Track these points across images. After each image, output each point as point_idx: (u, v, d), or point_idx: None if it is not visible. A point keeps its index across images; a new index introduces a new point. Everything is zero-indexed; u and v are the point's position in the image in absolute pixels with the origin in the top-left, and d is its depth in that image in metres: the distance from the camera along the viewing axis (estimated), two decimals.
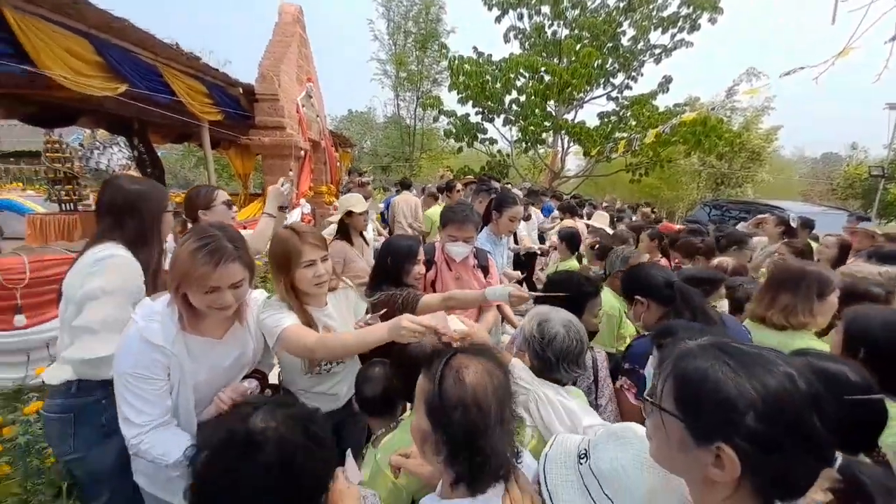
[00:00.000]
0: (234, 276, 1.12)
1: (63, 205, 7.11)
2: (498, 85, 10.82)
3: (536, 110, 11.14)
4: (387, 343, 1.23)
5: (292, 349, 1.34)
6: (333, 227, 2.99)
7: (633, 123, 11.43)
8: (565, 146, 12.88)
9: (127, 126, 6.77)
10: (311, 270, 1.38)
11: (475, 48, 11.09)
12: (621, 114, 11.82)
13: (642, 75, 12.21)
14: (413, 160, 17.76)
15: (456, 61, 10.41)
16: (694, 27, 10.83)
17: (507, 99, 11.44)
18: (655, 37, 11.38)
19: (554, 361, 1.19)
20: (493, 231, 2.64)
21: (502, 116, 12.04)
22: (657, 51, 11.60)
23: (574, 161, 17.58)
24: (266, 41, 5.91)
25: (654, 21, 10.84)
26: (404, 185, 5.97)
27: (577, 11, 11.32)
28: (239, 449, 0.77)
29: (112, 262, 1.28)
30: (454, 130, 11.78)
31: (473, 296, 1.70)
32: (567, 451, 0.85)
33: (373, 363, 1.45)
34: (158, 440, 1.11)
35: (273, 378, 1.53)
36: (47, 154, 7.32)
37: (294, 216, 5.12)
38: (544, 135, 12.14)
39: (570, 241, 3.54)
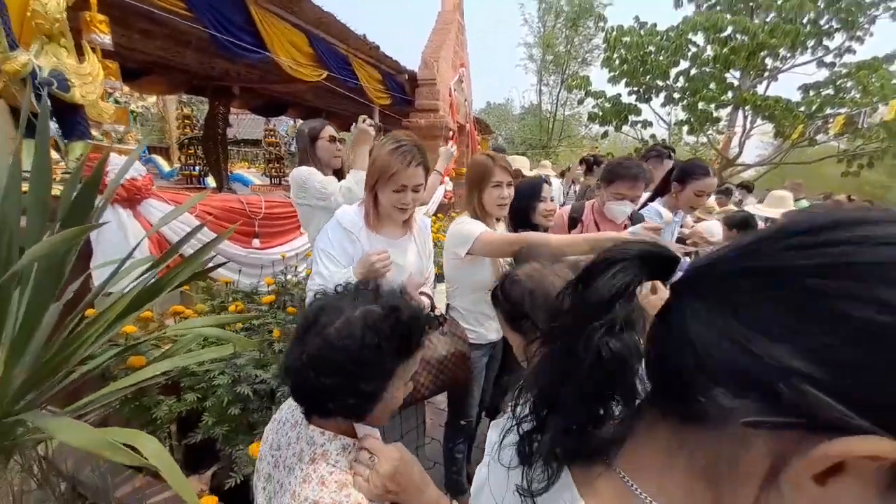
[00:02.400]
0: (418, 178, 1.34)
1: (272, 179, 9.12)
2: (662, 57, 9.50)
3: (712, 83, 9.43)
4: None
5: (493, 245, 1.52)
6: None
7: (857, 97, 8.73)
8: (746, 127, 10.62)
9: (318, 116, 8.24)
10: (497, 191, 1.58)
11: (636, 17, 9.98)
12: (839, 84, 9.12)
13: (871, 35, 9.18)
14: (550, 147, 17.18)
15: (614, 32, 9.52)
16: None
17: (674, 72, 9.98)
18: None
19: None
20: (670, 205, 2.27)
21: (662, 95, 10.59)
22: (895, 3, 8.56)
23: (754, 148, 14.48)
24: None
25: None
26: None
27: None
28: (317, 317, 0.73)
29: (300, 172, 2.01)
30: (601, 113, 10.88)
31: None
32: None
33: None
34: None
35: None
36: (265, 139, 9.42)
37: (438, 194, 5.53)
38: (718, 112, 10.22)
39: (743, 228, 2.80)
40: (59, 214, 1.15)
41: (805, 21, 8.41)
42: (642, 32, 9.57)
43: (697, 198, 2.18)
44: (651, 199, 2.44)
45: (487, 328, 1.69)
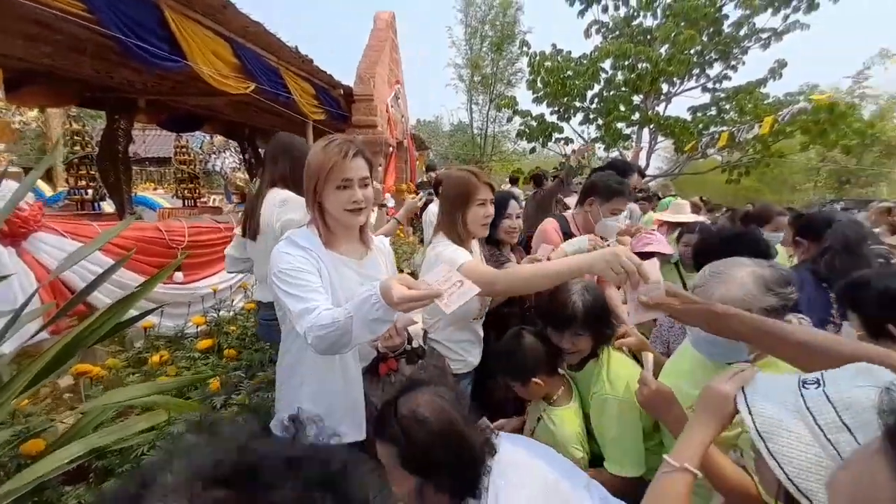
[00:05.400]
0: (361, 169, 1.18)
1: (185, 201, 8.18)
2: (579, 81, 10.41)
3: (621, 105, 10.52)
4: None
5: (474, 280, 1.36)
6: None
7: (735, 117, 10.30)
8: (651, 143, 12.00)
9: (239, 132, 7.61)
10: (482, 210, 1.48)
11: (553, 45, 10.83)
12: (720, 105, 10.71)
13: (744, 64, 11.00)
14: (483, 163, 17.87)
15: (537, 58, 10.22)
16: (811, 6, 9.49)
17: (590, 94, 10.96)
18: (763, 19, 10.20)
19: None
20: None
21: (580, 115, 11.59)
22: (765, 35, 10.39)
23: (655, 161, 16.46)
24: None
25: (763, 1, 9.66)
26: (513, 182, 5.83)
27: None
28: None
29: (296, 200, 1.63)
30: (528, 131, 11.56)
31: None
32: (782, 378, 0.71)
33: (518, 334, 1.41)
34: (328, 313, 1.03)
35: None
36: (176, 157, 8.48)
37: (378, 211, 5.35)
38: (627, 130, 11.43)
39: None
40: None
41: (692, 52, 9.77)
42: (560, 59, 10.40)
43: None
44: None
45: (472, 354, 1.59)
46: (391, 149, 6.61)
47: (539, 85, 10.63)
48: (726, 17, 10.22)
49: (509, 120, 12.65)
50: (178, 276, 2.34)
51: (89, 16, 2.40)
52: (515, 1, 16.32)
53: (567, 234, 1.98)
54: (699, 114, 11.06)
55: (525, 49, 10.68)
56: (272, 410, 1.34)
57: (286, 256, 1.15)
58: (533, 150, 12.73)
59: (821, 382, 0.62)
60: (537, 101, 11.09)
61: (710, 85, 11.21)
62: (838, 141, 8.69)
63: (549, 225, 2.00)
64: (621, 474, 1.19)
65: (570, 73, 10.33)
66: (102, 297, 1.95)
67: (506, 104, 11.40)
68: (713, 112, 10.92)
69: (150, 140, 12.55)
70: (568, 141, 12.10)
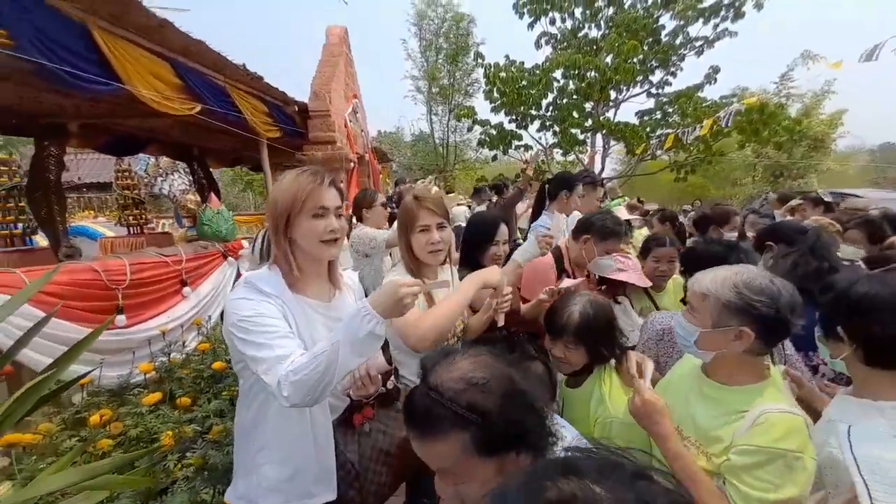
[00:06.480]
0: (336, 199, 1.12)
1: (131, 228, 7.60)
2: (533, 90, 10.73)
3: (574, 112, 10.93)
4: None
5: (395, 325, 1.29)
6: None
7: (678, 119, 10.95)
8: (605, 147, 12.52)
9: (188, 153, 7.21)
10: (424, 236, 1.40)
11: (507, 56, 11.13)
12: (664, 109, 11.37)
13: (682, 70, 11.77)
14: (447, 172, 18.00)
15: (492, 69, 10.46)
16: (738, 15, 10.33)
17: (545, 103, 11.31)
18: (696, 29, 10.98)
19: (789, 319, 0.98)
20: (559, 210, 2.50)
21: (537, 122, 11.93)
22: (698, 43, 11.17)
23: (609, 164, 17.26)
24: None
25: (695, 12, 10.42)
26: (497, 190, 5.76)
27: (611, 10, 11.14)
28: None
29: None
30: (488, 139, 11.77)
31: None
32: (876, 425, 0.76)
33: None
34: (306, 355, 0.95)
35: None
36: (118, 182, 7.89)
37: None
38: (582, 136, 11.88)
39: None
40: None
41: (637, 60, 10.34)
42: (514, 69, 10.70)
43: (581, 197, 2.60)
44: (536, 216, 2.63)
45: None
46: (352, 164, 6.48)
47: (496, 95, 10.87)
48: (663, 27, 10.93)
49: (469, 129, 12.82)
50: (121, 319, 2.12)
51: (9, 42, 2.18)
52: (467, 14, 16.76)
53: (561, 269, 1.98)
54: (646, 118, 11.70)
55: (480, 60, 10.90)
56: (233, 472, 1.21)
57: (247, 303, 1.03)
58: (495, 158, 12.97)
59: None
60: (495, 110, 11.33)
61: (653, 91, 11.91)
62: (770, 138, 9.47)
63: (542, 265, 1.93)
64: None
65: (524, 82, 10.64)
66: (32, 354, 1.74)
67: (465, 114, 11.56)
68: (658, 116, 11.57)
69: (86, 164, 11.65)
70: (527, 148, 12.43)
